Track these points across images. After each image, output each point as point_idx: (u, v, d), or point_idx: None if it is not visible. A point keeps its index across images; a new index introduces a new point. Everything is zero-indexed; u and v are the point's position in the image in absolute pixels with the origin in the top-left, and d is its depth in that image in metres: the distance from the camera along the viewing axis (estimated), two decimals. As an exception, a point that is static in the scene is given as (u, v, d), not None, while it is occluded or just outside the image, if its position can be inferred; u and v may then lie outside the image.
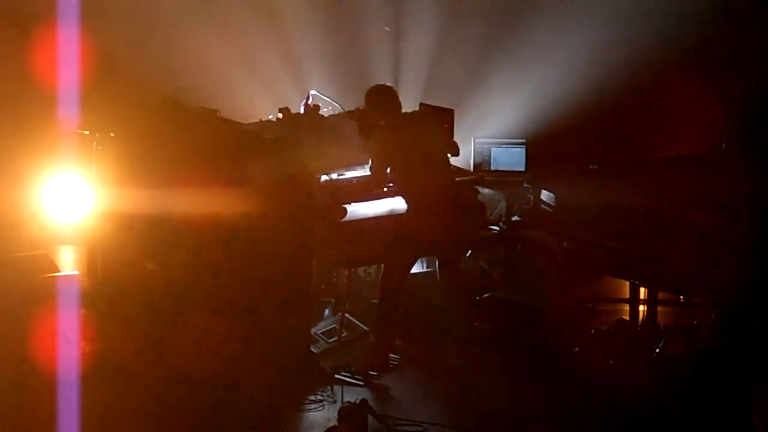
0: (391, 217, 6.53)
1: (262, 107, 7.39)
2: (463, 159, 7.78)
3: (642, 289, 6.54)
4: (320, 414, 5.74)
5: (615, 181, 6.63)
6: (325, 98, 7.12)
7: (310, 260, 6.41)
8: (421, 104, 7.47)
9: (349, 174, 6.66)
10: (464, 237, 6.58)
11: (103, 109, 6.30)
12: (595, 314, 6.43)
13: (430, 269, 7.20)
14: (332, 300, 7.35)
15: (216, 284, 5.77)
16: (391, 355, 6.55)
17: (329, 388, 6.03)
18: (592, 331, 6.61)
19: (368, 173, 6.44)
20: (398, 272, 6.39)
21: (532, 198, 7.24)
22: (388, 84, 6.79)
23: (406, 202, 6.34)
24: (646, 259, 5.94)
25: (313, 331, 6.65)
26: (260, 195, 5.83)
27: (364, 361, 6.37)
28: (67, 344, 5.38)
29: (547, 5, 8.46)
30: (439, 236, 6.25)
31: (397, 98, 6.48)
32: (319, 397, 5.92)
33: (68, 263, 6.43)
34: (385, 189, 6.59)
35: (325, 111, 7.03)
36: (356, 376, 6.22)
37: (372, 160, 6.34)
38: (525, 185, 7.47)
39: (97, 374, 5.45)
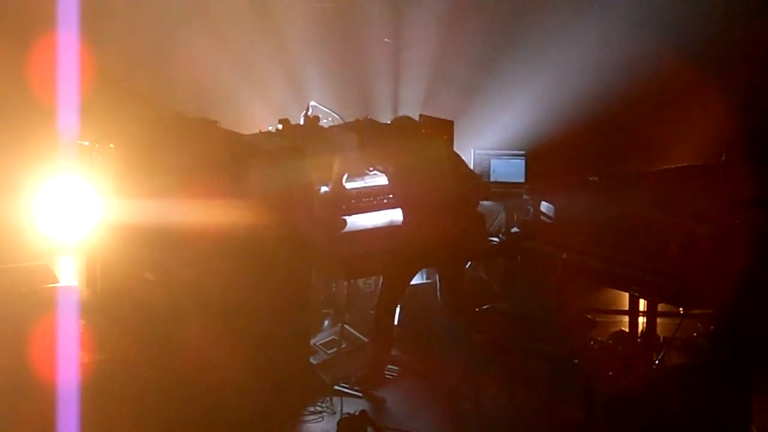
0: (391, 229, 6.54)
1: (262, 118, 7.40)
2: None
3: (641, 301, 6.53)
4: (319, 425, 5.75)
5: (615, 192, 6.63)
6: (325, 109, 7.14)
7: (309, 271, 6.41)
8: (421, 115, 7.48)
9: (350, 185, 6.68)
10: (464, 249, 6.56)
11: (102, 120, 6.31)
12: (594, 325, 6.39)
13: (429, 280, 7.21)
14: (332, 311, 7.36)
15: (215, 295, 5.76)
16: (390, 367, 6.55)
17: (329, 399, 6.03)
18: (592, 343, 6.61)
19: (369, 184, 6.50)
20: (397, 285, 6.39)
21: (531, 209, 7.23)
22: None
23: (404, 213, 6.35)
24: (645, 271, 5.94)
25: (312, 342, 6.66)
26: (260, 206, 5.82)
27: (361, 377, 6.37)
28: (66, 355, 5.37)
29: (548, 18, 8.48)
30: (438, 249, 6.25)
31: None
32: (319, 409, 5.92)
33: (68, 274, 6.43)
34: (385, 201, 6.62)
35: (324, 122, 7.04)
36: (355, 388, 6.21)
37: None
38: (525, 196, 7.47)
39: (96, 385, 5.44)
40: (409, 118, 6.72)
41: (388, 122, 6.82)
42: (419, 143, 6.48)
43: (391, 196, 6.63)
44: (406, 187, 6.36)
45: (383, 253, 6.37)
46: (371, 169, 6.64)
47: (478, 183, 6.87)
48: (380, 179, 6.69)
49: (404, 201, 6.39)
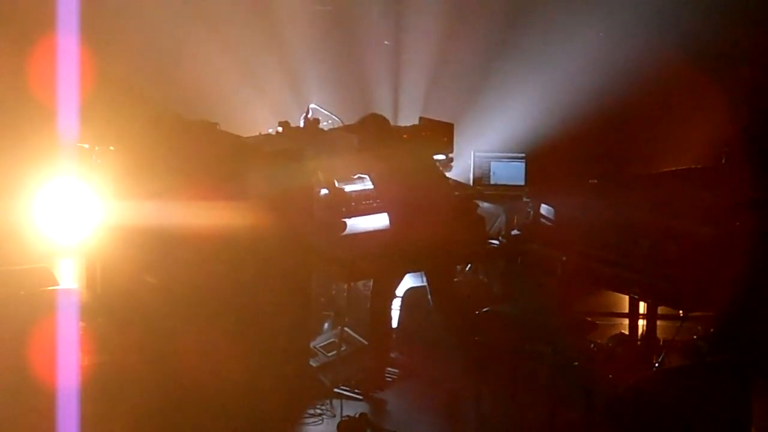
0: (382, 232, 6.53)
1: (262, 120, 7.40)
2: (463, 173, 7.80)
3: (641, 303, 6.53)
4: (319, 428, 5.75)
5: (615, 195, 6.63)
6: (325, 112, 7.14)
7: (309, 274, 6.41)
8: (420, 118, 7.48)
9: (349, 188, 6.68)
10: (450, 253, 6.54)
11: (102, 122, 6.30)
12: (594, 328, 6.39)
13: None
14: (332, 313, 7.35)
15: (215, 297, 5.76)
16: (390, 369, 6.54)
17: (328, 401, 6.03)
18: (592, 345, 6.60)
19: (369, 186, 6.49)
20: (385, 288, 6.39)
21: (531, 212, 7.23)
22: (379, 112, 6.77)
23: (389, 217, 6.35)
24: (645, 273, 5.93)
25: (312, 344, 6.64)
26: (260, 208, 5.83)
27: (361, 379, 6.36)
28: (66, 358, 5.37)
29: (548, 21, 8.48)
30: (421, 253, 6.23)
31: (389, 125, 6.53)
32: (319, 411, 5.92)
33: (68, 276, 6.42)
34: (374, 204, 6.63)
35: (324, 125, 7.04)
36: (355, 390, 6.21)
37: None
38: (525, 199, 7.47)
39: (96, 387, 5.43)
40: (377, 115, 6.68)
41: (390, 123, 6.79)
42: (390, 143, 6.47)
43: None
44: (385, 191, 6.37)
45: (379, 256, 6.37)
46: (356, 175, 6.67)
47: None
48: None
49: (386, 204, 6.42)
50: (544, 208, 7.02)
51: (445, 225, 6.28)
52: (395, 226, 6.30)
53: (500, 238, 7.40)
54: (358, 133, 6.51)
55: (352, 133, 6.60)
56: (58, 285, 5.91)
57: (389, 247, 6.30)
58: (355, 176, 6.70)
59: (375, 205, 6.67)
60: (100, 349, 5.75)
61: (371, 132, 6.43)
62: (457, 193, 7.06)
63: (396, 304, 6.83)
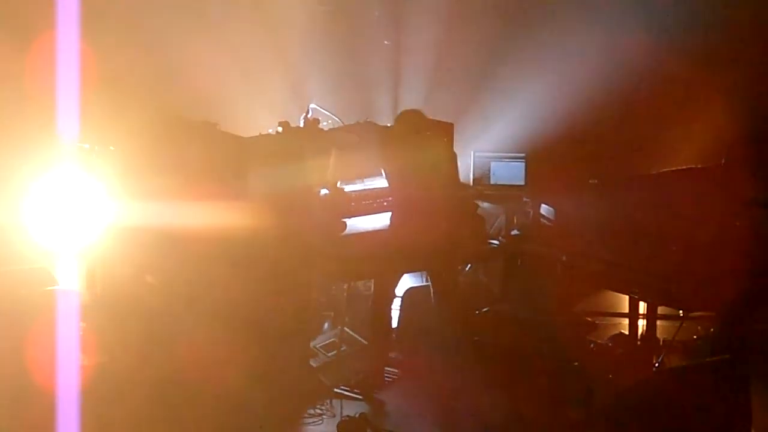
0: (382, 231, 6.53)
1: (262, 121, 7.39)
2: (463, 173, 7.78)
3: (641, 303, 6.53)
4: (319, 428, 5.74)
5: (614, 195, 6.63)
6: (325, 112, 7.13)
7: (309, 273, 6.40)
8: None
9: (349, 188, 6.68)
10: (454, 253, 6.53)
11: (103, 122, 6.30)
12: (594, 328, 6.41)
13: (428, 283, 7.21)
14: (331, 313, 7.35)
15: (215, 297, 5.76)
16: (390, 369, 6.54)
17: (328, 401, 6.03)
18: (592, 345, 6.60)
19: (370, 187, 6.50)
20: (385, 288, 6.39)
21: (531, 212, 7.25)
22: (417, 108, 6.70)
23: (392, 216, 6.34)
24: (645, 273, 5.93)
25: (312, 344, 6.65)
26: (259, 208, 5.83)
27: (361, 379, 6.36)
28: (66, 358, 5.37)
29: (548, 21, 8.48)
30: (425, 252, 6.23)
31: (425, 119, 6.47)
32: (319, 411, 5.92)
33: (67, 277, 6.42)
34: (385, 203, 6.61)
35: (324, 125, 7.03)
36: (355, 390, 6.21)
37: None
38: (524, 199, 7.47)
39: (96, 388, 5.43)
40: (416, 112, 6.58)
41: (390, 124, 6.79)
42: (422, 141, 6.44)
43: (390, 198, 6.63)
44: (400, 190, 6.34)
45: (379, 256, 6.37)
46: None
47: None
48: (381, 181, 6.69)
49: (396, 203, 6.39)
50: (544, 208, 7.04)
51: (451, 223, 6.26)
52: (403, 224, 6.28)
53: (500, 238, 7.41)
54: (395, 127, 6.47)
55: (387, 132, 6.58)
56: (57, 285, 5.92)
57: (391, 246, 6.29)
58: (365, 174, 6.70)
59: (375, 204, 6.67)
60: (100, 349, 5.75)
61: (409, 126, 6.40)
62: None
63: (396, 304, 6.82)
